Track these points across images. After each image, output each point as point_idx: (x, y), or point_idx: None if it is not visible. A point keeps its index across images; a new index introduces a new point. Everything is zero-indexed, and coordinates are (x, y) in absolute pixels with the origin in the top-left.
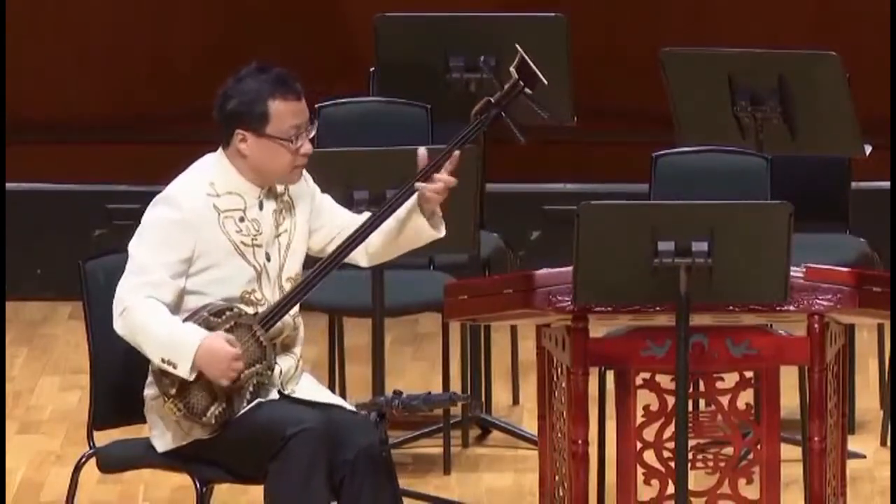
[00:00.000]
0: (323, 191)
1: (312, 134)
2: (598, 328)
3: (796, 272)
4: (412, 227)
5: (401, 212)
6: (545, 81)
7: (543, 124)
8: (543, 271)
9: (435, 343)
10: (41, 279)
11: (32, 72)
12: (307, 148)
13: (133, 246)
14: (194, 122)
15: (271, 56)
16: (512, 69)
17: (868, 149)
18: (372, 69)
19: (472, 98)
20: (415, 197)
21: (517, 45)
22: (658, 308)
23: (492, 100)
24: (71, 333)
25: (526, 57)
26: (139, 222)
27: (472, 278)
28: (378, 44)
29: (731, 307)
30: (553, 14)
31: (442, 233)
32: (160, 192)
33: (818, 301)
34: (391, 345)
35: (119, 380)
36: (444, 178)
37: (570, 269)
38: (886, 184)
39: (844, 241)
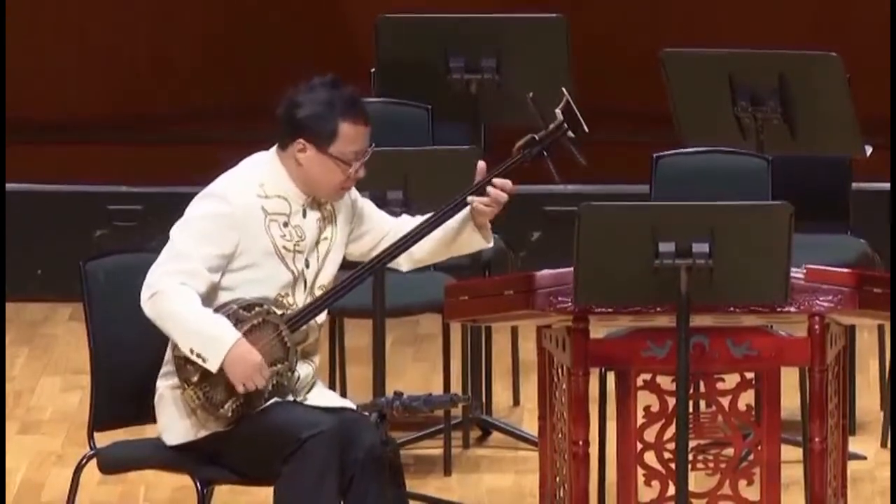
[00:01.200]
0: None
1: (367, 157)
2: (599, 329)
3: (797, 273)
4: (464, 237)
5: (452, 221)
6: (587, 129)
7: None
8: (544, 272)
9: (435, 344)
10: (41, 280)
11: (32, 72)
12: (361, 172)
13: (175, 232)
14: (194, 122)
15: (271, 56)
16: (557, 111)
17: (869, 149)
18: (373, 70)
19: (473, 99)
20: (468, 209)
21: (563, 90)
22: (659, 309)
23: (536, 137)
24: (71, 334)
25: (571, 101)
26: (142, 222)
27: (472, 279)
28: (379, 44)
29: (731, 308)
30: (553, 14)
31: (491, 243)
32: (160, 192)
33: (819, 302)
34: (392, 346)
35: (120, 380)
36: (498, 193)
37: (570, 269)
38: (887, 184)
39: (845, 242)
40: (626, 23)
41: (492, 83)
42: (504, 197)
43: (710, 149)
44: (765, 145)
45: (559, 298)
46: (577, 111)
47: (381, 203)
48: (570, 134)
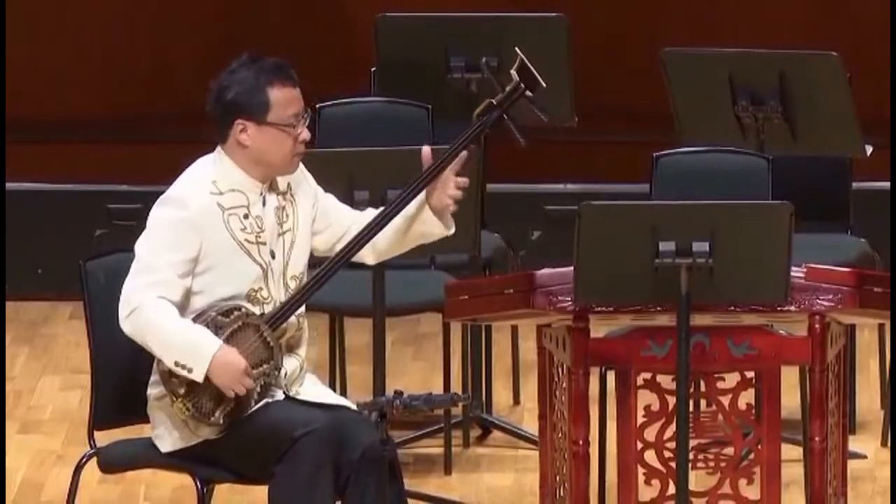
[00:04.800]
0: (325, 191)
1: (307, 121)
2: (599, 328)
3: (797, 272)
4: (422, 223)
5: (410, 208)
6: (544, 84)
7: (544, 124)
8: (544, 271)
9: (436, 343)
10: (41, 279)
11: (32, 72)
12: (306, 134)
13: (139, 246)
14: (194, 122)
15: (271, 56)
16: (513, 72)
17: (869, 149)
18: (373, 69)
19: (473, 98)
20: (423, 194)
21: (516, 49)
22: (659, 308)
23: (494, 101)
24: (71, 333)
25: (525, 60)
26: (142, 222)
27: (472, 278)
28: (379, 44)
29: (731, 307)
30: (553, 14)
31: (452, 229)
32: (160, 191)
33: (819, 301)
34: (392, 345)
35: (120, 380)
36: (459, 181)
37: (570, 269)
38: (887, 184)
39: (845, 241)
40: (626, 22)
41: (492, 82)
42: (465, 181)
43: (710, 149)
44: (765, 145)
45: (559, 297)
46: (532, 69)
47: (381, 203)
48: (528, 93)
